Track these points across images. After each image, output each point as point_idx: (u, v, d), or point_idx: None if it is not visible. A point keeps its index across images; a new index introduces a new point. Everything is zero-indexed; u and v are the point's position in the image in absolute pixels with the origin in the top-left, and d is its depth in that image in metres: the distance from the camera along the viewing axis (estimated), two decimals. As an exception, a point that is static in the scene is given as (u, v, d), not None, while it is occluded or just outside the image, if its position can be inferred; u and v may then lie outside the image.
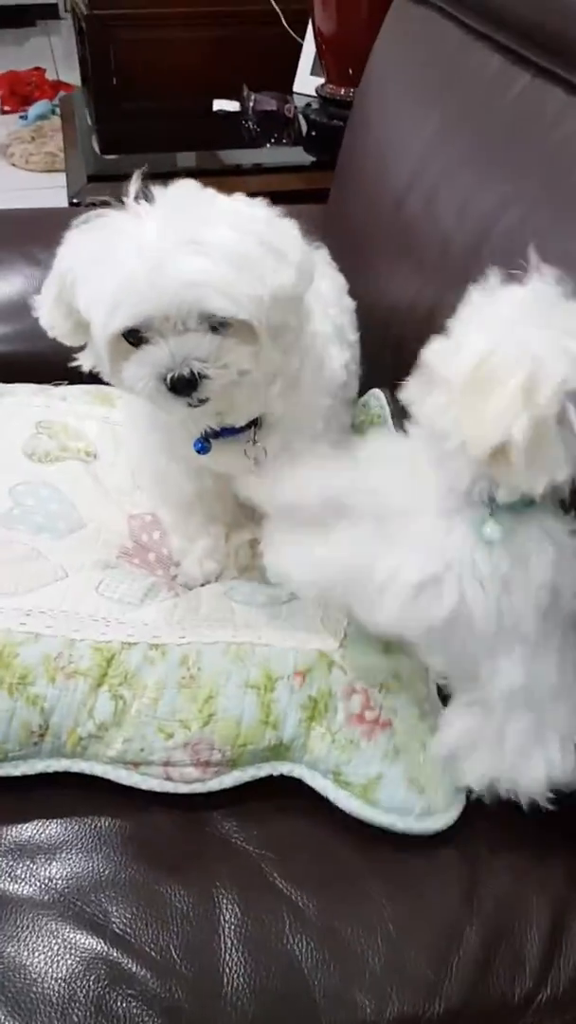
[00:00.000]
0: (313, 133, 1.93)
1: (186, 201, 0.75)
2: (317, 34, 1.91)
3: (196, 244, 0.70)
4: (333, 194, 1.38)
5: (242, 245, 0.72)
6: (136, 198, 0.74)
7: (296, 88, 2.15)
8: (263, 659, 0.83)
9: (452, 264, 0.98)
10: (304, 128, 1.97)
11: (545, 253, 0.85)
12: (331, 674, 0.83)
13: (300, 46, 2.15)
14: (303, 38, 2.14)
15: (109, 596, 0.88)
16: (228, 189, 0.80)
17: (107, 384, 0.81)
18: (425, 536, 0.70)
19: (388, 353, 1.12)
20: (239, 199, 0.78)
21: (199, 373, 0.73)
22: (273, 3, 2.21)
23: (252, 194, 0.79)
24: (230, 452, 0.89)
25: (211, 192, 0.78)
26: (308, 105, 2.00)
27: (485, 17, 1.02)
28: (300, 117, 1.99)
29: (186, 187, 0.76)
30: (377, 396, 1.15)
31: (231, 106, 2.06)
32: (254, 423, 0.87)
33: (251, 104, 2.01)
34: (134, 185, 0.74)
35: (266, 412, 0.86)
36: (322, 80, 1.97)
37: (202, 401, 0.76)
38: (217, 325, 0.73)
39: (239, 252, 0.71)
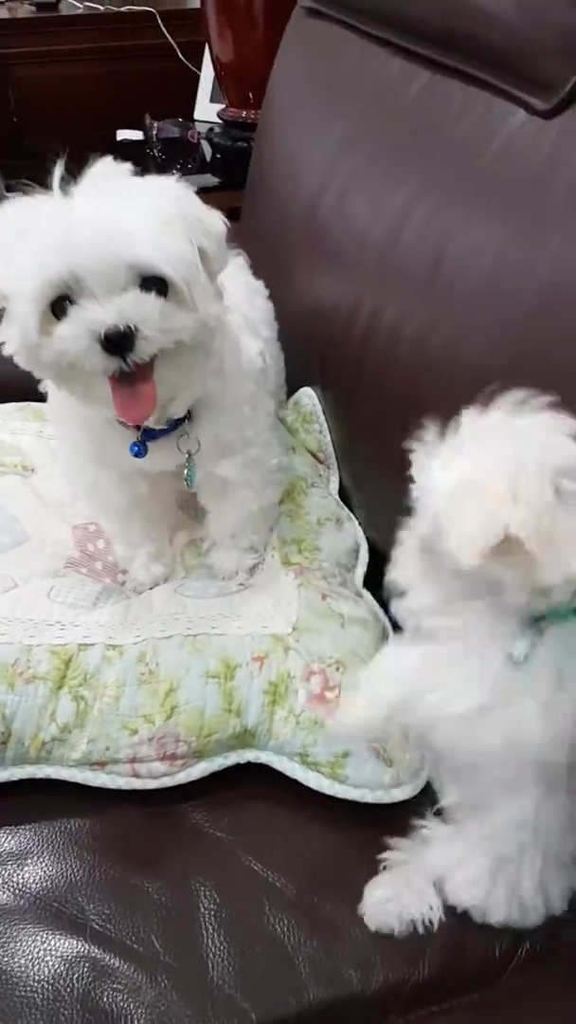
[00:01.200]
0: (218, 156, 1.97)
1: (110, 175, 0.76)
2: (215, 62, 1.95)
3: (115, 198, 0.71)
4: (245, 210, 1.41)
5: (168, 210, 0.73)
6: (61, 181, 0.74)
7: (197, 115, 2.19)
8: (220, 648, 0.84)
9: (370, 258, 1.01)
10: (209, 152, 2.01)
11: (456, 241, 0.90)
12: (288, 657, 0.85)
13: (197, 76, 2.19)
14: (199, 68, 2.18)
15: (61, 601, 0.88)
16: None
17: (39, 401, 0.80)
18: (468, 663, 0.64)
19: (315, 354, 1.15)
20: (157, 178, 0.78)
21: (134, 327, 0.70)
22: (168, 36, 2.26)
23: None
24: (162, 451, 0.89)
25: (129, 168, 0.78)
26: (211, 130, 2.04)
27: (382, 22, 1.06)
28: (204, 142, 2.02)
29: (108, 164, 0.77)
30: (309, 395, 1.18)
31: (135, 135, 2.09)
32: (186, 416, 0.88)
33: (155, 132, 2.04)
34: (58, 169, 0.74)
35: (201, 396, 0.86)
36: (222, 106, 2.01)
37: (137, 367, 0.73)
38: (150, 288, 0.72)
39: (166, 214, 0.72)
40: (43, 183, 0.78)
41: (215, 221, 0.78)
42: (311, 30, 1.27)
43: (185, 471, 0.92)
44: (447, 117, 0.94)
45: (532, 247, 0.80)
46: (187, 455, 0.90)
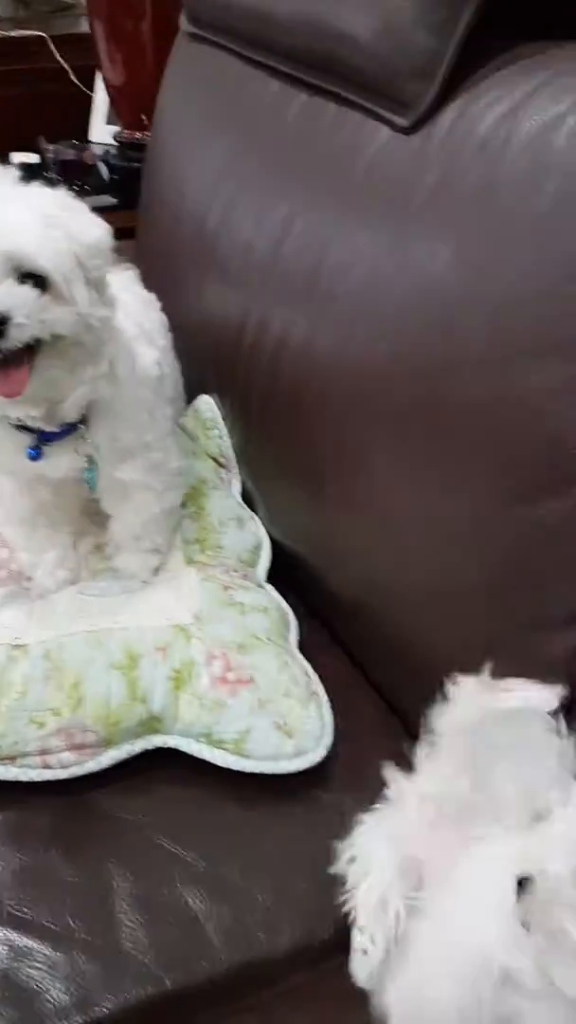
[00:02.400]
0: (115, 177, 2.01)
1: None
2: (108, 85, 2.00)
3: (5, 203, 0.76)
4: (139, 228, 1.46)
5: (47, 210, 0.77)
6: None
7: (93, 137, 2.23)
8: (123, 641, 0.88)
9: (255, 270, 1.07)
10: (106, 173, 2.05)
11: (332, 250, 0.96)
12: (191, 644, 0.89)
13: (91, 98, 2.23)
14: (92, 90, 2.22)
15: (-36, 605, 0.91)
16: None
17: None
18: None
19: (210, 363, 1.20)
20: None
21: (7, 315, 0.74)
22: (60, 61, 2.29)
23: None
24: (60, 456, 0.92)
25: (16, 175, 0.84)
26: (107, 151, 2.08)
27: (258, 47, 1.13)
28: (100, 164, 2.06)
29: None
30: (207, 402, 1.23)
31: (31, 158, 2.12)
32: (83, 420, 0.91)
33: (51, 155, 2.07)
34: None
35: (94, 399, 0.89)
36: (117, 128, 2.05)
37: (12, 354, 0.77)
38: (26, 281, 0.76)
39: (45, 213, 0.77)
40: None
41: (93, 228, 0.82)
42: (194, 54, 1.33)
43: (84, 474, 0.95)
44: (321, 135, 1.01)
45: (398, 253, 0.87)
46: (87, 459, 0.93)
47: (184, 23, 1.34)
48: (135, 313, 1.02)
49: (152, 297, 1.14)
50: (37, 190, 0.81)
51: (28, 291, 0.76)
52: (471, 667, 0.74)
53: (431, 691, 0.74)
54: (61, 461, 0.92)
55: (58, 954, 0.75)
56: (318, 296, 0.96)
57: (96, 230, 0.82)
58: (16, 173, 0.83)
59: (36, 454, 0.90)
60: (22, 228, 0.75)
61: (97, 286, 0.82)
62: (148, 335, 1.04)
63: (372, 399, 0.88)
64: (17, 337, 0.75)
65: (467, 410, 0.80)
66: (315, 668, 0.96)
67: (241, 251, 1.10)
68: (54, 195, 0.81)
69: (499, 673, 0.73)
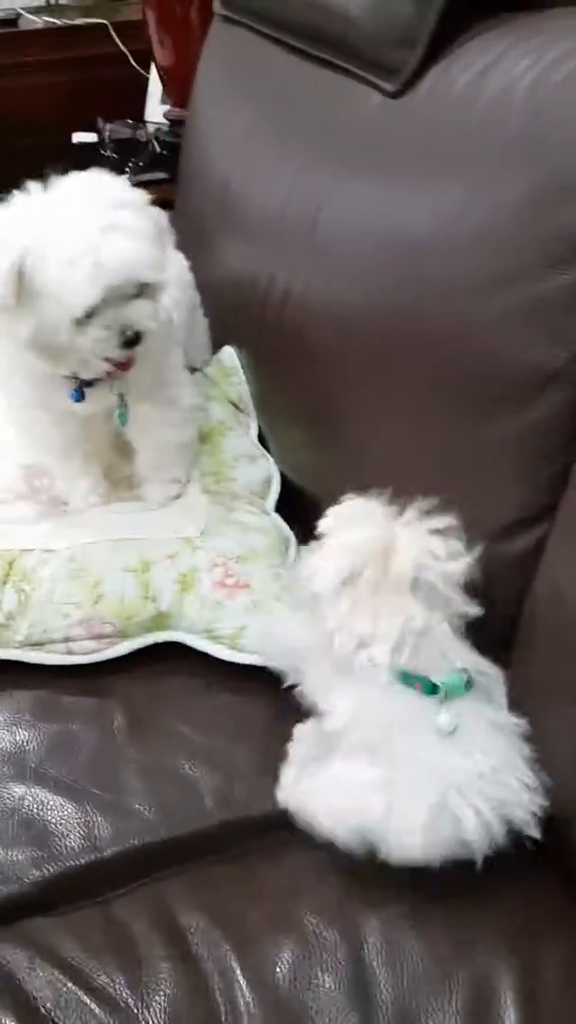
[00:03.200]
0: (165, 153, 2.14)
1: (92, 190, 0.93)
2: (159, 68, 2.12)
3: (121, 230, 0.88)
4: (178, 194, 1.59)
5: (147, 227, 0.91)
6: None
7: (147, 116, 2.36)
8: (138, 549, 1.01)
9: (267, 227, 1.18)
10: (157, 149, 2.18)
11: (329, 205, 1.06)
12: (195, 554, 1.02)
13: (147, 80, 2.36)
14: (149, 73, 2.35)
15: (5, 519, 1.05)
16: None
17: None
18: (409, 760, 0.76)
19: (230, 315, 1.32)
20: (114, 180, 0.96)
21: (144, 331, 0.93)
22: (120, 46, 2.43)
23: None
24: (99, 398, 1.06)
25: (97, 178, 0.96)
26: (159, 129, 2.21)
27: (276, 25, 1.24)
28: (153, 140, 2.19)
29: (81, 178, 0.95)
30: (228, 352, 1.35)
31: (89, 137, 2.26)
32: None
33: (107, 134, 2.21)
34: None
35: None
36: (168, 107, 2.18)
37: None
38: (141, 291, 0.92)
39: (147, 232, 0.91)
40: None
41: (163, 219, 0.96)
42: (224, 35, 1.44)
43: (117, 412, 1.08)
44: (324, 103, 1.12)
45: (382, 204, 0.98)
46: (120, 397, 1.06)
47: (216, 6, 1.46)
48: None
49: (177, 256, 1.25)
50: (132, 199, 0.93)
51: (147, 304, 0.94)
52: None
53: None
54: (94, 401, 1.06)
55: (73, 805, 0.88)
56: (315, 248, 1.07)
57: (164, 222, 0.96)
58: (102, 178, 0.96)
59: (79, 397, 1.04)
60: (147, 258, 0.90)
61: None
62: (173, 282, 1.15)
63: (355, 338, 0.99)
64: (148, 341, 0.95)
65: (433, 343, 0.90)
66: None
67: (257, 211, 1.21)
68: (145, 207, 0.94)
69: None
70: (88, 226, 0.89)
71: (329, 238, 1.05)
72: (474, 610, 0.83)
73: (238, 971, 0.73)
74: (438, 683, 0.78)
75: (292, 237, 1.12)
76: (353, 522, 0.84)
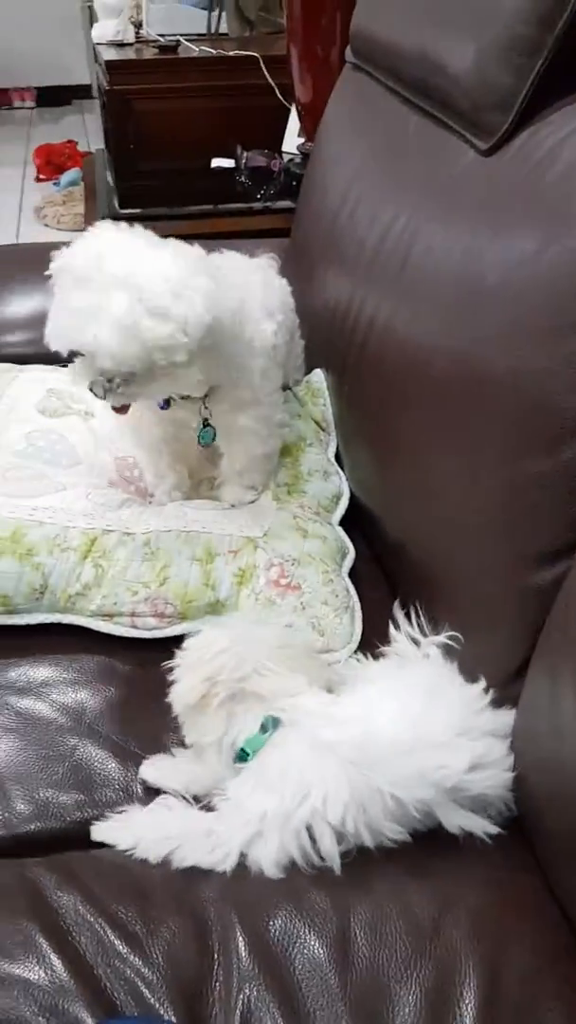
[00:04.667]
0: (294, 183, 2.26)
1: (105, 262, 0.96)
2: (297, 102, 2.25)
3: (96, 313, 0.94)
4: (293, 226, 1.70)
5: (128, 312, 0.93)
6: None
7: (285, 147, 2.50)
8: (206, 542, 1.12)
9: (363, 261, 1.28)
10: (289, 179, 2.31)
11: (418, 245, 1.15)
12: (256, 553, 1.12)
13: (288, 112, 2.50)
14: (291, 106, 2.49)
15: (95, 501, 1.17)
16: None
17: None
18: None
19: (323, 341, 1.42)
20: (163, 251, 0.99)
21: (106, 391, 1.01)
22: (268, 78, 2.58)
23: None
24: (186, 408, 1.18)
25: (134, 244, 1.00)
26: (291, 160, 2.34)
27: (392, 75, 1.33)
28: (285, 171, 2.32)
29: (116, 240, 1.00)
30: (318, 375, 1.45)
31: (227, 163, 2.41)
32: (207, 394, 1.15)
33: (244, 161, 2.35)
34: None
35: (215, 384, 1.13)
36: (303, 140, 2.31)
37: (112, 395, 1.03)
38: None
39: (123, 320, 0.93)
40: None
41: (189, 302, 0.97)
42: (353, 80, 1.55)
43: (199, 433, 1.20)
44: (425, 152, 1.20)
45: (461, 247, 1.05)
46: (204, 421, 1.18)
47: (348, 53, 1.57)
48: (259, 295, 1.22)
49: (280, 282, 1.36)
50: (140, 272, 0.95)
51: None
52: (475, 593, 0.95)
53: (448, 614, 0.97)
54: (183, 413, 1.18)
55: (117, 761, 0.99)
56: (402, 285, 1.16)
57: (177, 314, 0.95)
58: (136, 245, 1.01)
59: (164, 406, 1.16)
60: (101, 343, 0.94)
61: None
62: (269, 311, 1.25)
63: (422, 370, 1.07)
64: (118, 399, 1.05)
65: (489, 381, 0.97)
66: (360, 596, 1.16)
67: (356, 246, 1.31)
68: (156, 278, 0.95)
69: (492, 599, 0.93)
70: (73, 302, 0.97)
71: (415, 276, 1.13)
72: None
73: (236, 921, 0.82)
74: (243, 748, 0.90)
75: (383, 272, 1.21)
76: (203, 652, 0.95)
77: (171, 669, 0.96)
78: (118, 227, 1.03)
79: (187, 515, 1.18)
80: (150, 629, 1.09)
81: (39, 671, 1.07)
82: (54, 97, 5.47)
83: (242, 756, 0.90)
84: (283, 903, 0.84)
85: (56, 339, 0.98)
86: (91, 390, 1.02)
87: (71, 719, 1.03)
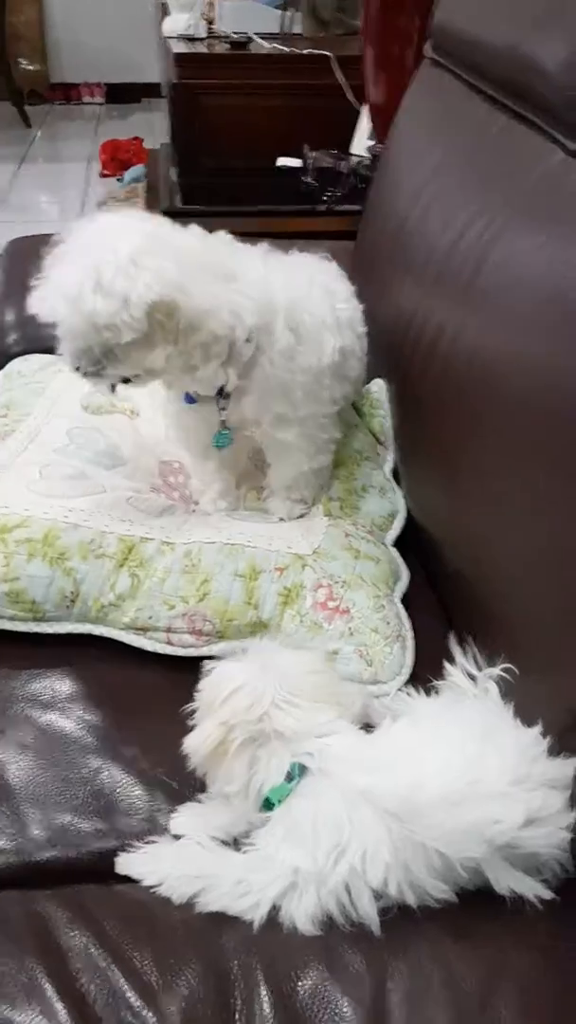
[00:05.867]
0: (362, 186, 2.19)
1: (80, 237, 0.97)
2: (369, 103, 2.18)
3: (56, 292, 0.94)
4: (359, 230, 1.63)
5: (75, 284, 0.92)
6: None
7: (353, 149, 2.42)
8: (250, 556, 1.05)
9: (434, 265, 1.20)
10: (356, 182, 2.23)
11: (495, 252, 1.07)
12: (304, 572, 1.04)
13: (358, 114, 2.43)
14: (361, 107, 2.42)
15: (135, 506, 1.11)
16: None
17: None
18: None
19: (385, 349, 1.34)
20: (135, 230, 0.97)
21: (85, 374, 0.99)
22: (340, 77, 2.51)
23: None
24: (208, 408, 1.11)
25: (116, 222, 0.99)
26: (359, 162, 2.27)
27: (477, 73, 1.26)
28: (353, 173, 2.25)
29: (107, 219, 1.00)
30: (379, 384, 1.37)
31: (293, 163, 2.35)
32: (225, 395, 1.08)
33: (311, 161, 2.29)
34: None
35: (235, 384, 1.07)
36: (374, 142, 2.24)
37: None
38: None
39: (69, 292, 0.92)
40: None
41: (139, 279, 0.94)
42: (432, 77, 1.47)
43: (214, 435, 1.13)
44: (507, 152, 1.12)
45: (546, 258, 0.97)
46: (221, 423, 1.11)
47: (427, 49, 1.49)
48: (317, 306, 1.12)
49: (348, 291, 1.26)
50: (101, 243, 0.95)
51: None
52: (540, 630, 0.87)
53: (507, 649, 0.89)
54: (207, 413, 1.12)
55: (143, 788, 0.93)
56: (475, 293, 1.08)
57: (120, 290, 0.92)
58: (113, 224, 0.99)
59: (189, 400, 1.11)
60: (53, 316, 0.95)
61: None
62: (335, 325, 1.14)
63: (495, 388, 0.99)
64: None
65: (572, 405, 0.89)
66: (412, 624, 1.08)
67: (426, 251, 1.23)
68: (113, 250, 0.93)
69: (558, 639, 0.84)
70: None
71: (490, 285, 1.05)
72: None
73: (261, 978, 0.75)
74: (268, 797, 0.82)
75: (454, 279, 1.13)
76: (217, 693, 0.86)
77: (190, 713, 0.88)
78: (136, 212, 1.03)
79: (232, 527, 1.11)
80: (186, 647, 1.02)
81: (64, 685, 1.01)
82: (123, 94, 5.47)
83: (268, 806, 0.82)
84: (313, 961, 0.76)
85: (34, 311, 0.97)
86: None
87: (96, 739, 0.96)
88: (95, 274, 0.91)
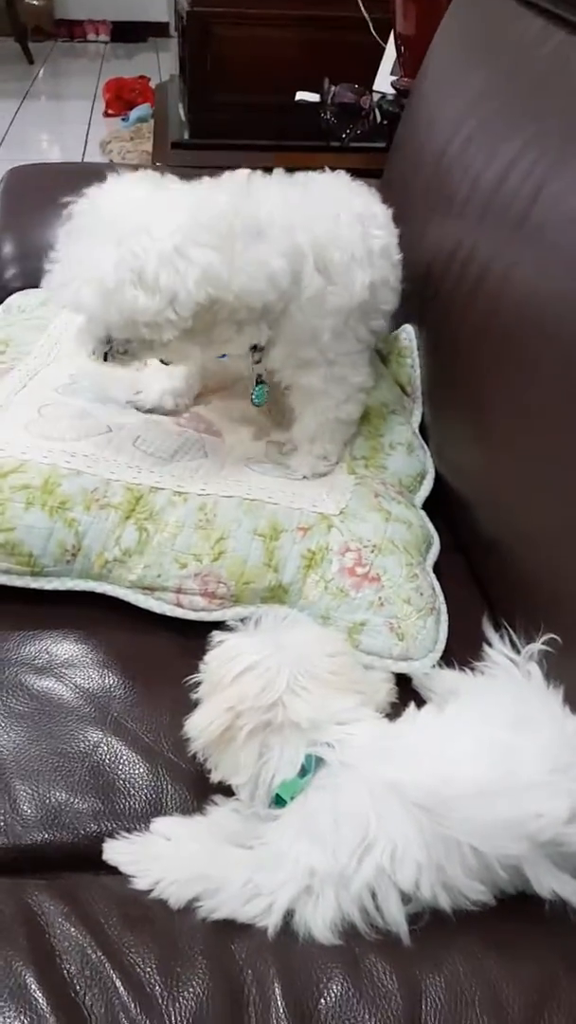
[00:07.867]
0: (385, 122, 2.06)
1: (107, 210, 0.88)
2: (397, 36, 2.04)
3: (84, 279, 0.84)
4: (388, 161, 1.51)
5: (112, 273, 0.83)
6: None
7: (376, 86, 2.29)
8: (271, 514, 0.95)
9: (477, 201, 1.08)
10: (378, 118, 2.10)
11: (551, 186, 0.96)
12: (330, 533, 0.94)
13: (383, 50, 2.29)
14: (385, 42, 2.28)
15: (144, 450, 1.00)
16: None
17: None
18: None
19: (418, 292, 1.23)
20: (176, 209, 0.88)
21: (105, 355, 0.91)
22: (363, 12, 2.36)
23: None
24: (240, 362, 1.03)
25: (145, 194, 0.90)
26: (383, 98, 2.13)
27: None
28: (375, 109, 2.12)
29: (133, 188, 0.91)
30: (408, 331, 1.26)
31: (312, 97, 2.21)
32: (258, 349, 0.99)
33: (331, 96, 2.15)
34: None
35: (261, 341, 0.98)
36: (398, 76, 2.10)
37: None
38: None
39: (106, 282, 0.84)
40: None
41: (180, 268, 0.87)
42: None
43: (253, 391, 1.05)
44: (565, 74, 1.01)
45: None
46: (257, 377, 1.03)
47: (471, -35, 1.36)
48: (346, 239, 1.01)
49: (385, 215, 1.13)
50: (145, 231, 0.86)
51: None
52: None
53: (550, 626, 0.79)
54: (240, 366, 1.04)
55: (146, 766, 0.84)
56: (527, 229, 0.96)
57: (165, 285, 0.85)
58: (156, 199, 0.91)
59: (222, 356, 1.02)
60: (87, 309, 0.86)
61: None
62: (366, 258, 1.03)
63: (555, 333, 0.88)
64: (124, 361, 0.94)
65: None
66: (444, 593, 0.98)
67: (468, 184, 1.12)
68: (154, 239, 0.85)
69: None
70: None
71: (547, 220, 0.94)
72: None
73: (278, 992, 0.66)
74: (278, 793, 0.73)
75: (503, 215, 1.02)
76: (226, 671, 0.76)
77: (195, 685, 0.79)
78: (148, 176, 0.93)
79: (251, 480, 1.00)
80: (197, 610, 0.92)
81: (62, 648, 0.91)
82: (129, 33, 5.28)
83: (279, 803, 0.73)
84: (336, 972, 0.68)
85: (52, 293, 0.89)
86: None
87: (96, 709, 0.87)
88: (134, 262, 0.83)
